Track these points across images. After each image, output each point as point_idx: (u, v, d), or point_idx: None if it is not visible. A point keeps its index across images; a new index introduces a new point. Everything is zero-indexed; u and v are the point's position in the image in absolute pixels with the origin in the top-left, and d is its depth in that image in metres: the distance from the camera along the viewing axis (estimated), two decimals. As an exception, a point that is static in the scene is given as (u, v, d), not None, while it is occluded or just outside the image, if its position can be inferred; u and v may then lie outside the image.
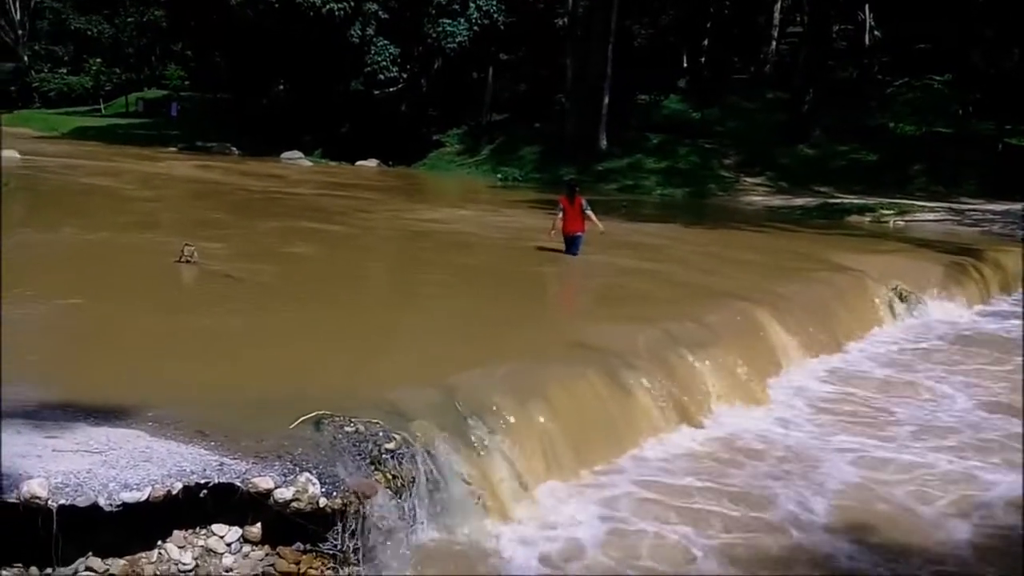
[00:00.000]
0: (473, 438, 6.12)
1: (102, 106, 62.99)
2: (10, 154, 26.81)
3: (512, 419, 6.45)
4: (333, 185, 26.23)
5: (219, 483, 4.78)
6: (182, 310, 9.00)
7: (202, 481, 4.75)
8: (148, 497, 4.56)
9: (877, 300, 12.94)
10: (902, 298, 13.32)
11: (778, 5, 41.55)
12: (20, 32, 69.58)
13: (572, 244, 13.54)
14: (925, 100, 30.36)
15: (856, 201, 25.09)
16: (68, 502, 4.41)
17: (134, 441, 5.08)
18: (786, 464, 7.26)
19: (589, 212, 13.44)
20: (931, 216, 23.18)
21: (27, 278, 9.64)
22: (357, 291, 10.98)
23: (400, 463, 5.51)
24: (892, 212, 23.29)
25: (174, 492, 4.65)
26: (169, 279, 10.39)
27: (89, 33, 60.32)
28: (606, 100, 33.74)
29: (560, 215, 13.58)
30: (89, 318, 8.21)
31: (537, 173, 33.52)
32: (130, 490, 4.55)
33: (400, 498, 5.38)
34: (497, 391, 6.71)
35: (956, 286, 14.42)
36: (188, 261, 10.71)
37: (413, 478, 5.53)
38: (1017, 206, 23.99)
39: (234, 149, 40.55)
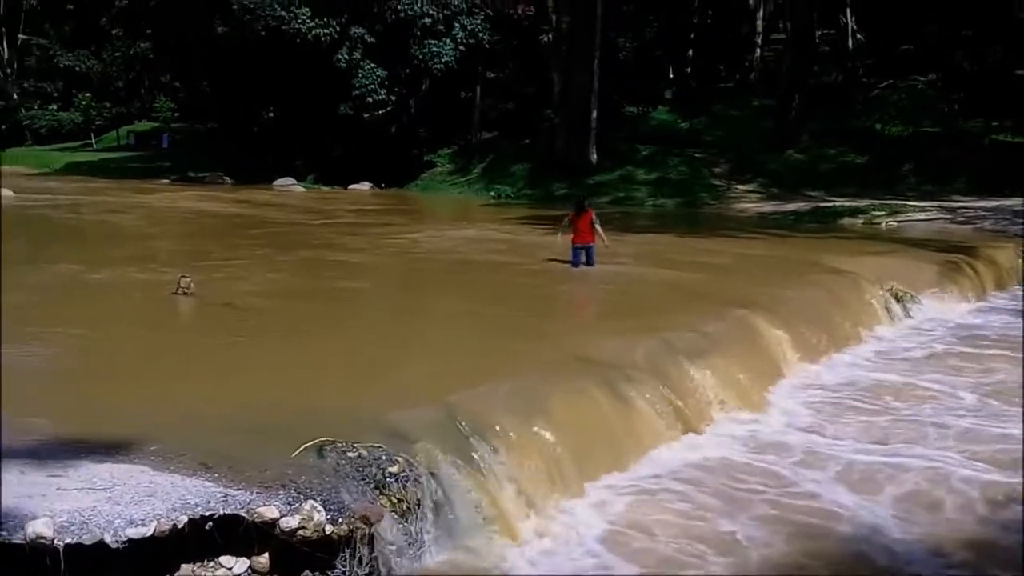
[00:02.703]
0: (477, 457, 6.12)
1: (93, 141, 63.14)
2: (4, 192, 26.89)
3: (515, 436, 6.46)
4: (326, 211, 26.29)
5: (224, 515, 4.77)
6: (180, 342, 9.01)
7: (207, 513, 4.74)
8: (154, 532, 4.55)
9: (873, 301, 12.97)
10: (898, 298, 13.36)
11: (761, 13, 41.85)
12: (8, 70, 69.86)
13: (579, 255, 13.90)
14: (911, 101, 30.57)
15: (847, 204, 25.20)
16: (74, 540, 4.41)
17: (138, 476, 5.07)
18: (787, 468, 7.27)
19: (597, 226, 13.83)
20: (923, 215, 23.27)
21: (25, 314, 9.65)
22: (357, 314, 10.99)
23: (404, 486, 5.51)
24: (884, 213, 23.38)
25: (180, 526, 4.64)
26: (167, 311, 10.40)
27: (77, 69, 60.54)
28: (594, 114, 33.89)
29: (567, 227, 14.04)
30: (87, 353, 8.22)
31: (529, 189, 33.63)
32: (136, 526, 4.55)
33: (406, 522, 5.38)
34: (499, 408, 6.72)
35: (951, 284, 14.49)
36: (185, 293, 10.71)
37: (418, 501, 5.53)
38: (1007, 202, 24.11)
39: (227, 178, 40.66)
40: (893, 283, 13.60)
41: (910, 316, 13.22)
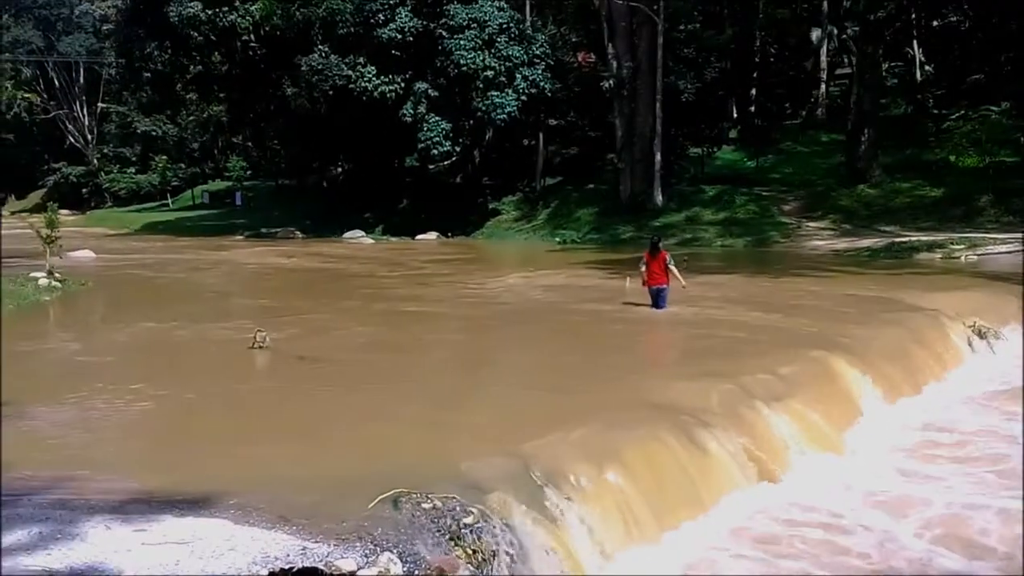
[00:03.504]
0: (550, 506, 6.06)
1: (170, 201, 65.57)
2: (85, 254, 27.97)
3: (589, 485, 6.38)
4: (396, 262, 26.68)
5: (303, 568, 4.80)
6: (257, 395, 9.18)
7: (287, 567, 4.78)
8: (236, 586, 4.61)
9: (955, 338, 12.56)
10: (981, 335, 12.91)
11: (825, 48, 41.49)
12: (89, 136, 73.25)
13: (657, 297, 13.87)
14: (985, 131, 29.75)
15: (924, 238, 24.57)
16: (160, 595, 4.49)
17: (218, 530, 5.15)
18: (869, 514, 7.03)
19: (672, 267, 13.82)
20: (1003, 248, 22.53)
21: (108, 373, 9.98)
22: (430, 364, 11.05)
23: (479, 537, 5.49)
24: (962, 247, 22.73)
25: (260, 579, 4.69)
26: (244, 365, 10.62)
27: (154, 133, 63.14)
28: (658, 156, 33.91)
29: (643, 269, 13.95)
30: (167, 409, 8.42)
31: (595, 233, 33.66)
32: (218, 580, 4.61)
33: (481, 573, 5.34)
34: (573, 456, 6.66)
35: (1036, 319, 13.94)
36: (261, 346, 10.95)
37: (493, 552, 5.49)
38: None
39: (298, 233, 41.69)
40: (975, 319, 13.15)
41: (994, 352, 12.74)
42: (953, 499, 7.35)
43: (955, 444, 8.90)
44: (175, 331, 13.13)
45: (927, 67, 41.66)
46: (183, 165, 66.34)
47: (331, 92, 36.99)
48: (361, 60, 36.26)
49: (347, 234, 39.22)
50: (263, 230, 43.16)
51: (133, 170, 70.12)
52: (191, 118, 60.37)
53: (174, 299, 18.81)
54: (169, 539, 5.02)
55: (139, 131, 64.35)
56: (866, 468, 8.16)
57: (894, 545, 6.56)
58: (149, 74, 47.07)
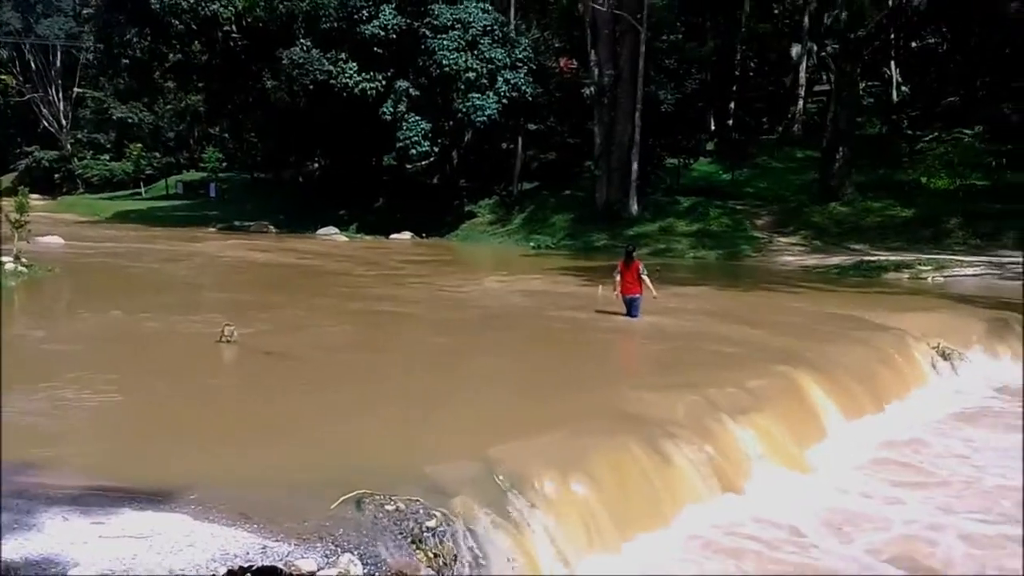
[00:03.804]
0: (514, 512, 6.07)
1: (143, 189, 64.91)
2: (54, 240, 27.62)
3: (553, 492, 6.40)
4: (369, 260, 26.58)
5: (262, 566, 4.78)
6: (222, 390, 9.13)
7: (245, 564, 4.76)
8: (193, 583, 4.58)
9: (919, 358, 12.72)
10: (944, 356, 13.08)
11: (804, 65, 41.92)
12: (64, 121, 72.37)
13: (631, 306, 14.04)
14: (957, 153, 30.20)
15: (893, 258, 24.86)
16: (114, 589, 4.45)
17: (178, 525, 5.11)
18: (828, 529, 7.11)
19: (644, 277, 13.93)
20: (970, 271, 22.85)
21: (72, 361, 9.86)
22: (397, 365, 11.02)
23: (441, 541, 5.49)
24: (930, 268, 23.02)
25: (218, 577, 4.66)
26: (210, 360, 10.54)
27: (130, 120, 62.46)
28: (635, 165, 34.06)
29: (617, 278, 14.07)
30: (131, 401, 8.33)
31: (569, 240, 33.74)
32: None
33: (442, 576, 5.35)
34: (538, 463, 6.67)
35: (1000, 342, 14.13)
36: (228, 341, 10.87)
37: (455, 556, 5.50)
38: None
39: (271, 227, 41.40)
40: (940, 340, 13.32)
41: (956, 374, 12.92)
42: (912, 519, 7.44)
43: (915, 464, 9.01)
44: (142, 322, 13.00)
45: (904, 88, 42.22)
46: (158, 154, 65.70)
47: (311, 87, 36.79)
48: (343, 56, 36.09)
49: (321, 230, 39.01)
50: (236, 223, 42.82)
51: (107, 157, 69.35)
52: (168, 107, 59.79)
53: (143, 289, 18.62)
54: (127, 533, 4.98)
55: (115, 118, 63.60)
56: (828, 485, 8.24)
57: (849, 564, 6.64)
58: (127, 60, 46.49)
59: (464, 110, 35.25)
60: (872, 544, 6.91)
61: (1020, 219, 27.65)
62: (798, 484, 8.13)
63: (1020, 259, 23.22)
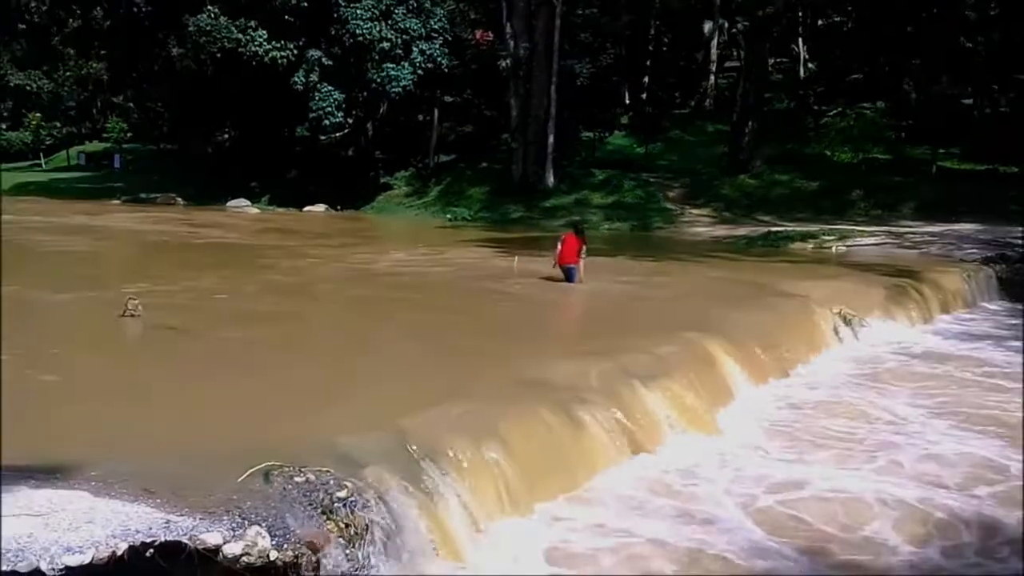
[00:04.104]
0: (426, 481, 6.07)
1: (43, 161, 62.30)
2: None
3: (465, 460, 6.42)
4: (280, 232, 26.10)
5: (166, 541, 4.66)
6: (125, 364, 8.86)
7: (148, 540, 4.63)
8: (92, 559, 4.43)
9: (822, 324, 13.17)
10: (846, 321, 13.58)
11: (715, 41, 42.63)
12: (-44, 89, 68.70)
13: (569, 274, 14.75)
14: (860, 128, 31.23)
15: (799, 229, 25.62)
16: (9, 568, 4.28)
17: (77, 502, 4.95)
18: (734, 489, 7.32)
19: (583, 256, 14.73)
20: (871, 240, 23.73)
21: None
22: (307, 338, 10.87)
23: (352, 511, 5.43)
24: (833, 238, 23.81)
25: (119, 553, 4.52)
26: (113, 334, 10.21)
27: (28, 88, 59.74)
28: (551, 138, 34.20)
29: (559, 248, 14.78)
30: (27, 375, 8.01)
31: (486, 212, 33.77)
32: (73, 553, 4.43)
33: (353, 547, 5.30)
34: (451, 432, 6.68)
35: (898, 307, 14.77)
36: (132, 315, 10.54)
37: (366, 526, 5.46)
38: (953, 227, 24.71)
39: (179, 199, 40.28)
40: (842, 307, 13.82)
41: (857, 339, 13.44)
42: (808, 476, 7.71)
43: (818, 425, 9.33)
44: (41, 296, 12.51)
45: (810, 64, 43.34)
46: (58, 124, 63.04)
47: (219, 55, 35.71)
48: (252, 24, 35.11)
49: (231, 203, 38.10)
50: (142, 195, 41.49)
51: (4, 127, 66.22)
52: (68, 74, 57.33)
53: (42, 263, 17.90)
54: (23, 511, 4.78)
55: (12, 85, 60.69)
56: (735, 444, 8.47)
57: (754, 524, 6.85)
58: (24, 26, 44.40)
59: (378, 80, 34.78)
60: (777, 501, 7.15)
61: (917, 190, 28.83)
62: (707, 445, 8.34)
63: (917, 229, 24.24)
